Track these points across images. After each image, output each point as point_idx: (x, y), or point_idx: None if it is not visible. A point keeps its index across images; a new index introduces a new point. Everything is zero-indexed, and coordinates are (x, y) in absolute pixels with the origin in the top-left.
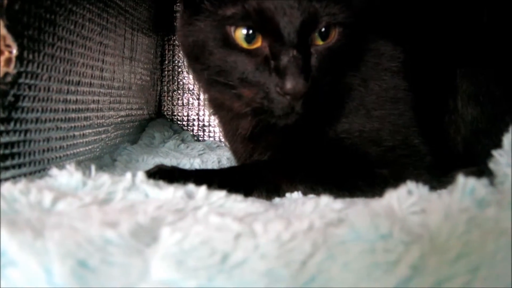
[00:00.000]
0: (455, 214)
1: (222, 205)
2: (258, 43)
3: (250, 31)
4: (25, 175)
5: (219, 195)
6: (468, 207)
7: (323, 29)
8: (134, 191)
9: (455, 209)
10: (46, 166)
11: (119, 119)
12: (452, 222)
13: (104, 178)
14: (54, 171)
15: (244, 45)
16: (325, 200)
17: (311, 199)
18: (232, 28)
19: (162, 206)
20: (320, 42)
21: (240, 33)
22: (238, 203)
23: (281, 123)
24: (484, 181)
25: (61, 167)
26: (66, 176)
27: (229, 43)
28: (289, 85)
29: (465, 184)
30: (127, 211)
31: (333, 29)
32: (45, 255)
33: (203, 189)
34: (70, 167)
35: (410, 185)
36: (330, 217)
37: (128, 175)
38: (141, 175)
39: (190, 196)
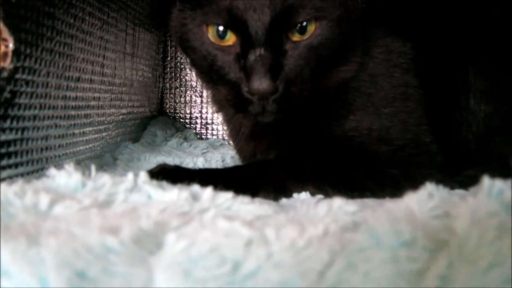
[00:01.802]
0: (483, 218)
1: (229, 207)
2: (231, 40)
3: (221, 28)
4: (22, 175)
5: (226, 197)
6: (497, 211)
7: (304, 23)
8: (136, 193)
9: (482, 213)
10: (44, 166)
11: (120, 117)
12: (480, 227)
13: (105, 178)
14: (52, 171)
15: (218, 42)
16: (338, 202)
17: (323, 201)
18: (205, 26)
19: (166, 209)
20: (297, 38)
21: (212, 31)
22: (245, 205)
23: (261, 121)
24: (510, 183)
25: (59, 167)
26: (64, 177)
27: (205, 41)
28: (253, 85)
29: (491, 186)
30: (129, 215)
31: (313, 23)
32: (40, 265)
33: (209, 190)
34: (69, 167)
35: (430, 187)
36: (344, 220)
37: (130, 175)
38: (143, 176)
39: (195, 197)
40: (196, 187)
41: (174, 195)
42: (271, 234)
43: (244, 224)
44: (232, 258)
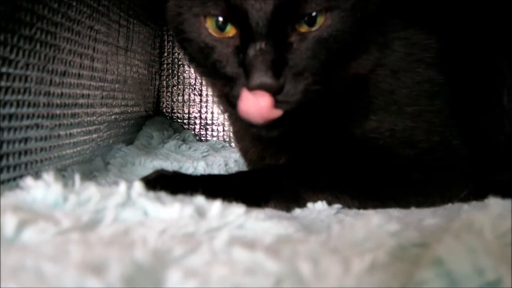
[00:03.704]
0: None
1: (241, 226)
2: (231, 32)
3: (220, 19)
4: None
5: (237, 212)
6: None
7: (314, 13)
8: (129, 208)
9: None
10: (23, 173)
11: (112, 117)
12: None
13: (91, 191)
14: (28, 181)
15: (217, 34)
16: (376, 220)
17: (359, 219)
18: (202, 17)
19: (166, 230)
20: (305, 29)
21: (211, 22)
22: (261, 222)
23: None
24: None
25: (39, 175)
26: (42, 189)
27: (203, 32)
28: (252, 82)
29: None
30: (120, 241)
31: (323, 13)
32: None
33: (217, 204)
34: (48, 176)
35: (495, 201)
36: (389, 245)
37: (122, 186)
38: (138, 187)
39: (201, 213)
40: (200, 200)
41: (175, 211)
42: (307, 270)
43: (269, 254)
44: None
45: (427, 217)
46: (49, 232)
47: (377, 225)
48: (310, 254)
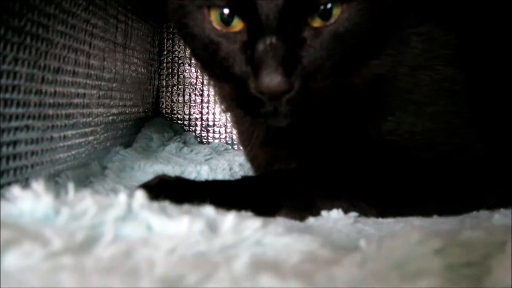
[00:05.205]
0: None
1: (259, 242)
2: (238, 26)
3: (226, 11)
4: None
5: (253, 226)
6: None
7: (329, 5)
8: (130, 222)
9: None
10: (12, 179)
11: (110, 118)
12: None
13: (87, 202)
14: (14, 191)
15: (222, 28)
16: (416, 236)
17: (396, 234)
18: (206, 9)
19: (174, 249)
20: (319, 24)
21: (215, 15)
22: (280, 237)
23: (274, 125)
24: None
25: (28, 183)
26: (30, 200)
27: (207, 26)
28: (262, 81)
29: None
30: (121, 266)
31: (339, 6)
32: None
33: (230, 218)
34: (38, 185)
35: None
36: (436, 266)
37: (122, 196)
38: (140, 197)
39: (212, 228)
40: (210, 211)
41: (183, 226)
42: None
43: (303, 281)
44: None
45: (460, 228)
46: (36, 256)
47: (416, 242)
48: (350, 281)
